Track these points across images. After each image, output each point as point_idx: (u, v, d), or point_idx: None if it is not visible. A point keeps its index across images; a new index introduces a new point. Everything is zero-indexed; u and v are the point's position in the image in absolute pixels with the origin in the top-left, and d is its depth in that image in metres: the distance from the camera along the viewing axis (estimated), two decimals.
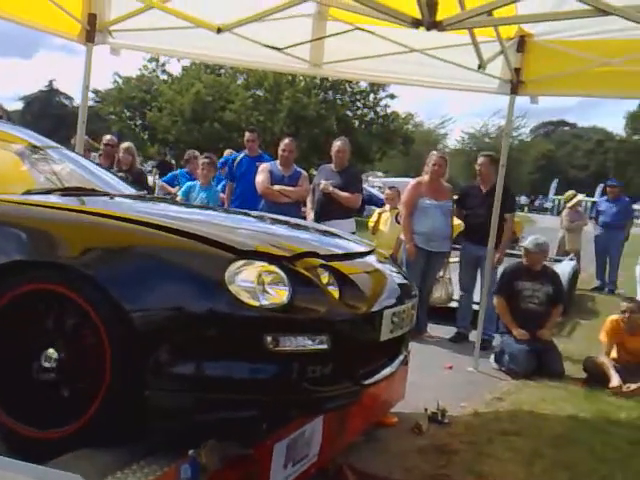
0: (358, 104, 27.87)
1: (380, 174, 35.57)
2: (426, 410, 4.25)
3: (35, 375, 2.38)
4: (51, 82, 43.91)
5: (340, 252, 2.95)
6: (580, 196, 11.66)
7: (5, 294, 2.38)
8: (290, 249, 2.57)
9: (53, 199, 2.83)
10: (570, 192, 11.74)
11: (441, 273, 6.79)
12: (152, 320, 2.27)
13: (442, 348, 6.29)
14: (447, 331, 6.63)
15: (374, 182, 27.76)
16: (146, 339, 2.26)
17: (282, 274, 2.37)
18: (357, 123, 27.65)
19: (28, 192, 2.87)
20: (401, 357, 3.08)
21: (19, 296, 2.38)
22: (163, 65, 27.23)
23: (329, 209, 6.30)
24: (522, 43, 5.19)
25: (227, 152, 9.32)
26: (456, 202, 6.76)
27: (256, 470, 2.50)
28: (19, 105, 41.54)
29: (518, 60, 5.24)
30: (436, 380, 5.09)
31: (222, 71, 26.65)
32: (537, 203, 45.91)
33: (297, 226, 3.55)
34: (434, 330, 6.64)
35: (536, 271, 5.91)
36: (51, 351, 2.36)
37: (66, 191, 3.02)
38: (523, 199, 49.30)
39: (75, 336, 2.36)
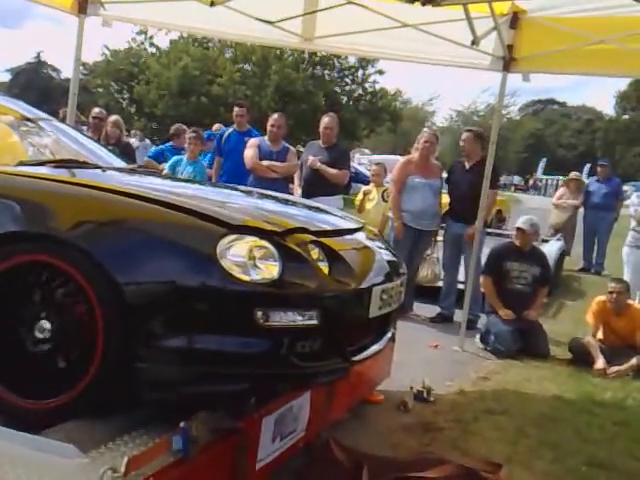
0: (346, 80, 27.71)
1: (367, 152, 35.48)
2: (411, 388, 4.27)
3: (28, 346, 2.37)
4: (39, 54, 43.20)
5: (330, 228, 2.94)
6: (573, 174, 11.51)
7: None
8: (281, 224, 2.56)
9: (46, 171, 2.81)
10: (574, 173, 11.63)
11: (428, 252, 6.79)
12: (144, 293, 2.27)
13: (427, 327, 6.32)
14: (433, 310, 6.66)
15: (361, 159, 27.69)
16: (138, 311, 2.26)
17: (273, 249, 2.37)
18: (345, 99, 27.50)
19: (21, 163, 2.85)
20: (389, 334, 3.09)
21: (12, 267, 2.36)
22: (151, 38, 26.81)
23: (316, 185, 6.26)
24: (515, 19, 5.13)
25: (215, 127, 9.20)
26: (446, 179, 6.75)
27: (245, 443, 2.50)
28: (6, 77, 40.80)
29: (511, 37, 5.19)
30: (421, 359, 5.13)
31: (210, 44, 26.34)
32: (532, 183, 45.72)
33: (286, 201, 3.54)
34: (420, 309, 6.67)
35: (525, 251, 5.93)
36: (44, 322, 2.35)
37: (59, 163, 3.00)
38: (516, 179, 48.94)
39: (68, 308, 2.35)
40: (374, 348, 2.87)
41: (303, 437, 3.02)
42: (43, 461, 2.01)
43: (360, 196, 7.83)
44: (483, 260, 6.13)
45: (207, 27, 5.67)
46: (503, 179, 36.19)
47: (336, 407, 3.38)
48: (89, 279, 2.27)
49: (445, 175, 6.87)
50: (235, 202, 2.96)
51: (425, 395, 4.25)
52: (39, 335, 2.35)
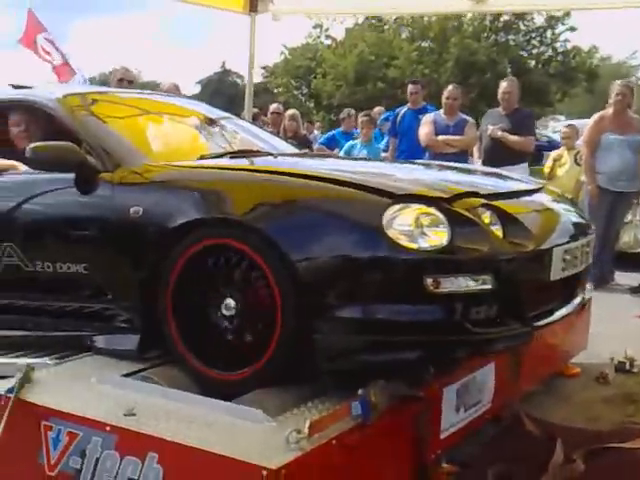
0: (534, 42, 26.20)
1: (562, 117, 33.23)
2: (612, 359, 3.96)
3: (218, 323, 2.55)
4: (224, 63, 46.08)
5: (503, 191, 2.82)
6: None
7: (187, 251, 2.56)
8: (448, 190, 2.51)
9: (223, 161, 3.03)
10: None
11: (630, 216, 6.25)
12: (317, 268, 2.34)
13: (631, 297, 5.81)
14: (636, 278, 6.08)
15: (556, 127, 26.05)
16: (312, 286, 2.34)
17: (440, 216, 2.33)
18: (533, 63, 26.05)
19: (202, 157, 3.09)
20: (578, 299, 2.89)
21: (199, 251, 2.54)
22: (327, 30, 27.50)
23: (499, 155, 6.02)
24: None
25: (376, 110, 9.07)
26: None
27: (426, 412, 2.50)
28: (197, 89, 44.03)
29: None
30: (623, 330, 4.68)
31: (385, 27, 26.35)
32: None
33: (456, 169, 3.45)
34: (622, 278, 6.15)
35: None
36: (229, 300, 2.51)
37: (235, 154, 3.21)
38: None
39: (249, 286, 2.49)
40: (561, 313, 2.71)
41: (490, 409, 2.96)
42: (236, 425, 2.18)
43: (549, 162, 7.43)
44: None
45: (378, 5, 5.69)
46: None
47: (524, 379, 3.23)
48: (266, 258, 2.39)
49: None
50: (400, 173, 2.95)
51: (628, 366, 3.92)
52: (226, 313, 2.52)
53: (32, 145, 2.81)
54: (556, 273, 2.53)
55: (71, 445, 2.23)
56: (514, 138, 6.07)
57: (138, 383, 2.50)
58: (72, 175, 2.84)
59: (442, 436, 2.64)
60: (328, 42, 27.73)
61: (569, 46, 26.05)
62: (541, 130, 21.30)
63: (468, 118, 6.48)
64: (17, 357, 2.84)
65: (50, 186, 2.96)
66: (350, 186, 2.44)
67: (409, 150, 6.74)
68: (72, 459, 2.23)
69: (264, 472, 1.91)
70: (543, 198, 2.95)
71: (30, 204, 2.99)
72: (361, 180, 2.49)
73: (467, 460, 2.80)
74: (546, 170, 7.46)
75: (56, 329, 2.94)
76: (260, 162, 3.06)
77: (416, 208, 2.35)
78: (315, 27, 27.74)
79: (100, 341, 2.80)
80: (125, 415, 2.22)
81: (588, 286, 3.27)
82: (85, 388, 2.46)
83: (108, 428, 2.19)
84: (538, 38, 26.16)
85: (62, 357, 2.79)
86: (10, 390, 2.36)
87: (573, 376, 3.88)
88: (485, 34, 24.71)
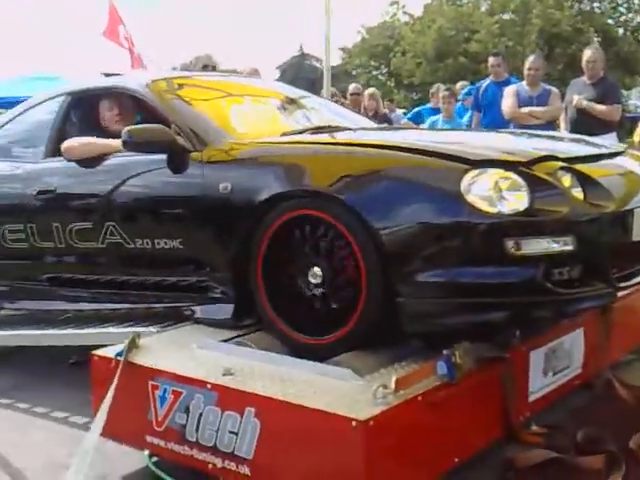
0: (621, 9, 24.98)
1: None
2: None
3: (306, 291, 2.66)
4: (301, 47, 45.99)
5: (583, 154, 2.80)
6: None
7: (273, 222, 2.68)
8: (527, 155, 2.53)
9: (305, 137, 3.15)
10: None
11: None
12: (399, 235, 2.41)
13: None
14: None
15: None
16: (395, 253, 2.42)
17: (519, 179, 2.36)
18: (621, 31, 24.84)
19: (284, 134, 3.21)
20: None
21: (285, 223, 2.66)
22: (403, 7, 27.15)
23: (585, 126, 5.82)
24: None
25: (459, 85, 8.94)
26: None
27: (512, 374, 2.54)
28: (276, 74, 44.13)
29: None
30: None
31: (464, 1, 25.75)
32: None
33: (537, 135, 3.44)
34: None
35: None
36: (315, 269, 2.62)
37: (315, 129, 3.32)
38: None
39: (334, 255, 2.59)
40: None
41: (580, 374, 2.97)
42: (326, 382, 2.31)
43: (638, 130, 7.12)
44: None
45: None
46: None
47: (617, 347, 3.20)
48: (349, 228, 2.49)
49: None
50: (479, 140, 2.99)
51: None
52: (313, 281, 2.63)
53: (127, 128, 2.98)
54: (638, 234, 2.52)
55: (176, 402, 2.42)
56: (600, 107, 5.89)
57: (234, 347, 2.68)
58: (164, 156, 3.02)
59: (530, 399, 2.69)
60: (405, 19, 27.39)
61: None
62: (636, 101, 20.27)
63: (552, 88, 6.32)
64: (125, 327, 3.10)
65: (145, 167, 3.15)
66: (428, 154, 2.50)
67: (493, 123, 6.60)
68: (178, 415, 2.42)
69: (353, 423, 2.02)
70: (624, 161, 2.92)
71: (128, 185, 3.19)
72: (438, 148, 2.54)
73: (557, 424, 2.82)
74: (636, 139, 7.14)
75: (158, 301, 3.17)
76: (340, 136, 3.16)
77: (494, 173, 2.38)
78: (392, 4, 27.48)
79: (198, 311, 2.99)
80: (224, 375, 2.39)
81: None
82: (186, 352, 2.66)
83: (209, 386, 2.36)
84: (625, 5, 24.93)
85: (164, 326, 3.02)
86: (119, 354, 2.58)
87: None
88: (568, 3, 23.76)
